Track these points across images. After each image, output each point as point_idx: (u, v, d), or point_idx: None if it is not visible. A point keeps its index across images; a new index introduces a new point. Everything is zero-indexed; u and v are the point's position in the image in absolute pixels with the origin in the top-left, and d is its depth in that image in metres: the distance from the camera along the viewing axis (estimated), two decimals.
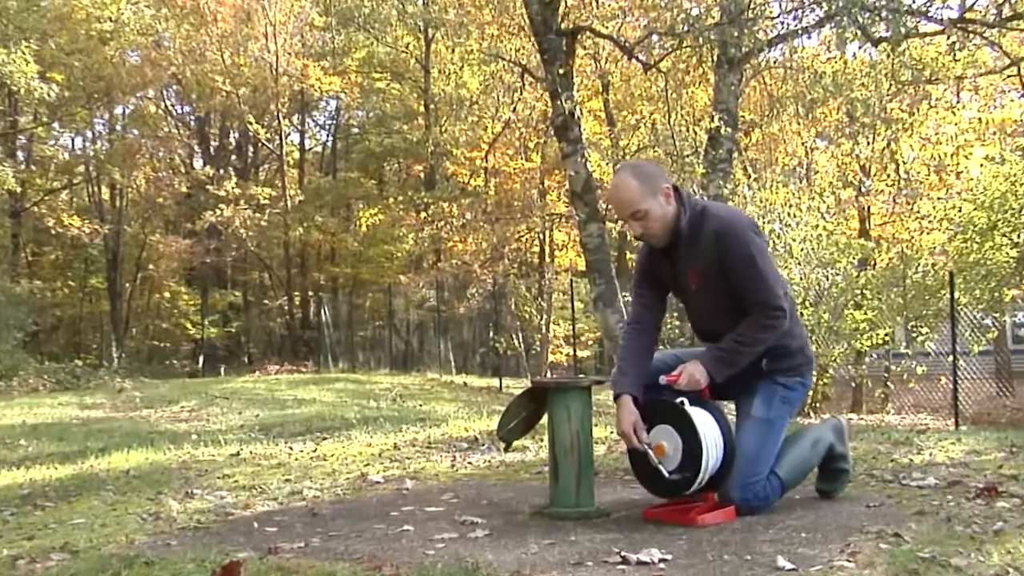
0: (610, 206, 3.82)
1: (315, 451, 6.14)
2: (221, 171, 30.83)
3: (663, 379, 3.56)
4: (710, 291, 3.64)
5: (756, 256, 3.52)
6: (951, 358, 12.19)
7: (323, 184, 33.36)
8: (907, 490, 3.95)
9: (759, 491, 3.55)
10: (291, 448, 6.40)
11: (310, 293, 32.24)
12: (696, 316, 3.84)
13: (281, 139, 31.22)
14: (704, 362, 3.58)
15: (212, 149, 33.94)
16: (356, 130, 37.23)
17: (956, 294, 12.39)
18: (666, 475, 3.49)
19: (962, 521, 3.26)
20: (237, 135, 34.44)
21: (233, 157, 34.62)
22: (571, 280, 21.30)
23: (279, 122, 30.85)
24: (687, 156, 17.34)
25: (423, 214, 25.83)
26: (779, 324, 3.57)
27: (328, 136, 38.14)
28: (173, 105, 34.00)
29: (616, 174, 3.73)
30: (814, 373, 3.84)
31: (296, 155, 34.94)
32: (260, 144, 33.53)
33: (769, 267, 3.57)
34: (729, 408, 3.82)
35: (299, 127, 35.11)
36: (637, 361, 3.70)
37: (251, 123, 29.99)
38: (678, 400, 3.53)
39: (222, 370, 27.31)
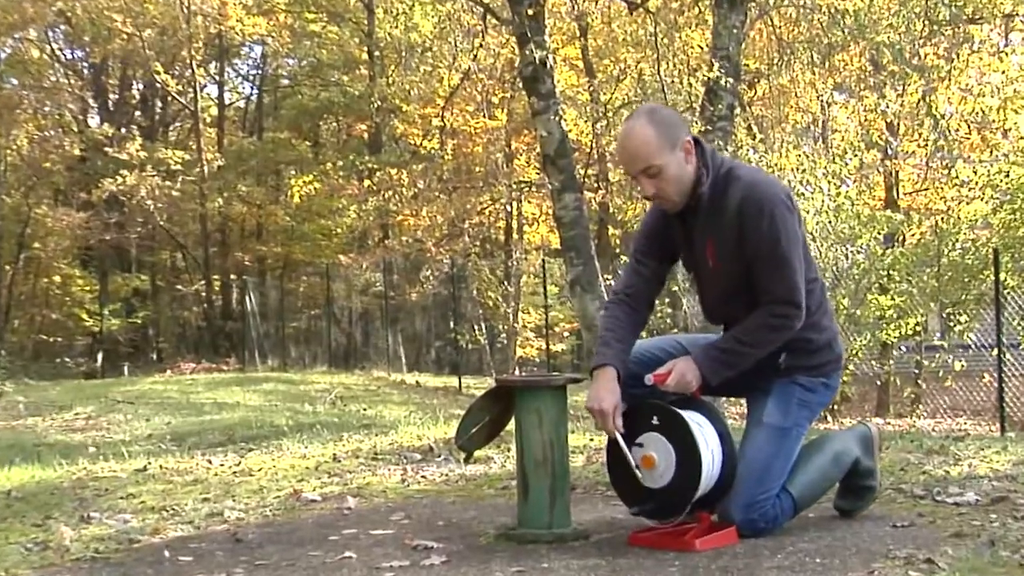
0: (617, 160, 3.75)
1: (239, 465, 6.13)
2: (122, 130, 30.59)
3: (649, 378, 3.53)
4: (729, 271, 3.62)
5: (781, 237, 3.49)
6: (996, 351, 12.28)
7: (247, 146, 33.18)
8: (942, 508, 3.97)
9: (767, 511, 3.54)
10: (210, 461, 6.38)
11: (232, 277, 32.09)
12: (710, 299, 3.82)
13: (196, 92, 30.98)
14: (698, 361, 3.55)
15: (111, 103, 33.64)
16: (286, 82, 37.02)
17: (1002, 275, 12.46)
18: (645, 486, 3.48)
19: (1008, 545, 3.27)
20: (141, 87, 34.18)
21: (137, 113, 34.34)
22: (543, 260, 21.35)
23: (193, 71, 30.62)
24: (681, 112, 17.36)
25: (367, 182, 25.79)
26: (792, 324, 3.55)
27: (252, 89, 37.97)
28: (62, 49, 33.67)
29: (628, 120, 3.66)
30: (841, 371, 3.83)
31: (214, 111, 34.72)
32: (170, 98, 33.28)
33: (796, 253, 3.53)
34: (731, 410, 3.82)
35: (217, 78, 34.88)
36: (625, 334, 3.67)
37: (158, 72, 29.72)
38: (669, 401, 3.53)
39: (126, 369, 27.19)
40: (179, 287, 33.14)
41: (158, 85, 31.43)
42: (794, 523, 3.69)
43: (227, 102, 36.31)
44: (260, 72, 37.08)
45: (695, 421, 3.48)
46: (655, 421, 3.49)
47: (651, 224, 3.80)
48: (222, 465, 6.19)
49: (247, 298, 27.33)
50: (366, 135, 31.64)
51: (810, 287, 3.61)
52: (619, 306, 3.73)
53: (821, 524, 3.76)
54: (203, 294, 31.76)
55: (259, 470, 5.85)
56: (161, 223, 30.53)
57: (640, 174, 3.56)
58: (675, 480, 3.44)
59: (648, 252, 3.80)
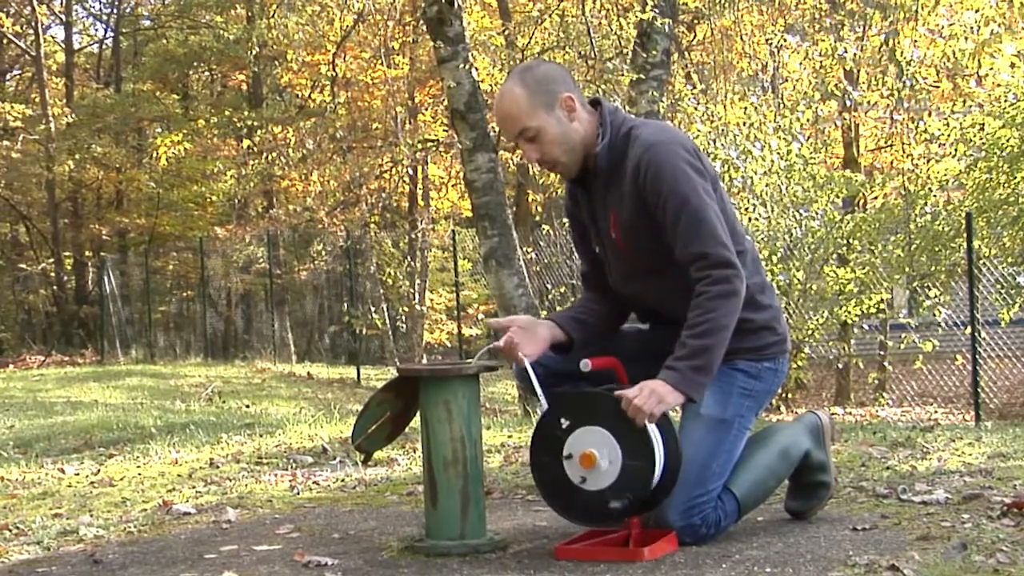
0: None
1: (97, 474, 6.08)
2: None
3: (586, 363, 3.53)
4: (635, 249, 3.69)
5: (690, 194, 3.54)
6: (969, 330, 12.47)
7: (102, 100, 32.70)
8: (908, 507, 4.05)
9: (708, 514, 3.59)
10: (62, 471, 6.32)
11: (87, 254, 31.67)
12: (620, 281, 3.85)
13: (38, 34, 30.49)
14: (673, 382, 3.47)
15: None
16: (148, 22, 36.53)
17: (976, 242, 12.63)
18: (583, 489, 3.49)
19: (982, 548, 3.33)
20: None
21: None
22: (453, 231, 21.33)
23: (33, 8, 30.11)
24: (609, 59, 17.41)
25: (247, 142, 25.53)
26: (736, 285, 3.54)
27: (107, 31, 37.34)
28: None
29: (505, 81, 3.78)
30: (788, 354, 3.88)
31: (60, 58, 34.16)
32: (5, 41, 32.67)
33: (710, 209, 3.55)
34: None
35: (63, 17, 34.29)
36: (579, 311, 3.88)
37: None
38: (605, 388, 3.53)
39: None
40: (22, 266, 32.58)
41: None
42: (740, 527, 3.74)
43: (76, 46, 35.67)
44: (115, 11, 36.49)
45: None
46: (616, 421, 3.46)
47: (570, 212, 3.96)
48: (77, 474, 6.13)
49: (105, 278, 27.01)
50: (244, 87, 31.36)
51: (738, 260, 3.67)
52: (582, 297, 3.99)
53: (771, 528, 3.81)
54: (52, 274, 31.29)
55: (121, 479, 5.80)
56: None
57: (518, 138, 3.69)
58: (623, 474, 3.44)
59: (584, 249, 3.96)
